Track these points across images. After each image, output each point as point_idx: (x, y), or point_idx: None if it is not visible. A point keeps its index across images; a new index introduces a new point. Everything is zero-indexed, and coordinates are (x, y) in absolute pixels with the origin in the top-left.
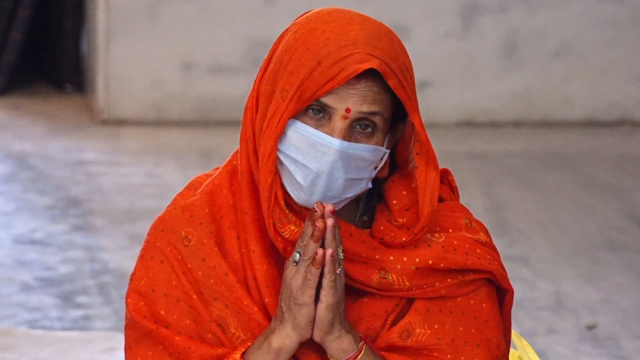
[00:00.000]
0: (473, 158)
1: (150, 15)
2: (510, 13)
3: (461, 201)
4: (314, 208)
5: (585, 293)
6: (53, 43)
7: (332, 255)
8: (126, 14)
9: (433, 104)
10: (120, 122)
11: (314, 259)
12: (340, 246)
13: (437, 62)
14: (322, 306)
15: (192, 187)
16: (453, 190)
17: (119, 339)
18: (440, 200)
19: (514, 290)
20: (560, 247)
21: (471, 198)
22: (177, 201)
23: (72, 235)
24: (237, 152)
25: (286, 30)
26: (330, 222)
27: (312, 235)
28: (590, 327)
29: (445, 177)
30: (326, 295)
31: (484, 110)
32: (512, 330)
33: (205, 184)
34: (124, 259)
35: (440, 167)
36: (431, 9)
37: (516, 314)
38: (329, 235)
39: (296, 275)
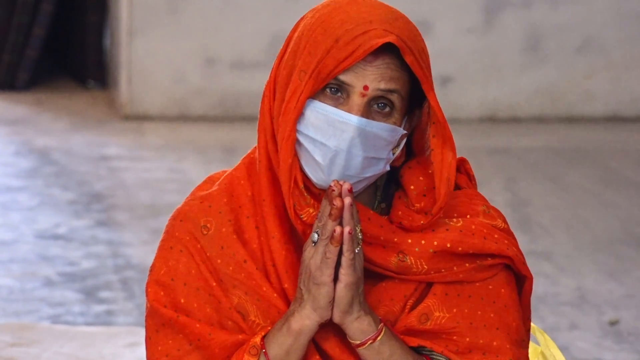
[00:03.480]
0: (495, 153)
1: (173, 10)
2: (533, 8)
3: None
4: (331, 187)
5: (608, 288)
6: (76, 38)
7: (350, 233)
8: (149, 9)
9: (456, 99)
10: (143, 118)
11: (332, 236)
12: (359, 225)
13: (459, 57)
14: (341, 285)
15: (209, 181)
16: (471, 179)
17: (142, 334)
18: (458, 188)
19: (537, 286)
20: (583, 243)
21: (493, 193)
22: (195, 193)
23: (95, 231)
24: (256, 147)
25: (302, 17)
26: (347, 200)
27: (330, 214)
28: (613, 323)
29: (462, 166)
30: (345, 274)
31: (507, 106)
32: (535, 326)
33: (223, 176)
34: (147, 254)
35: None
36: (454, 5)
37: (539, 309)
38: (346, 214)
39: (315, 255)
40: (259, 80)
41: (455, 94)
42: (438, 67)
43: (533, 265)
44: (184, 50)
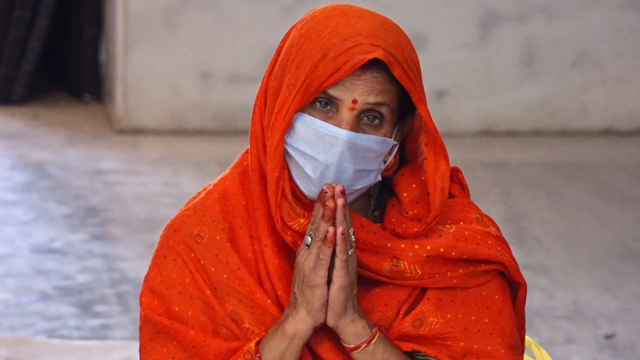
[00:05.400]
0: (491, 167)
1: (169, 24)
2: (528, 22)
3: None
4: (323, 189)
5: (604, 302)
6: (72, 52)
7: (343, 233)
8: (145, 23)
9: (451, 113)
10: (138, 131)
11: (325, 237)
12: (352, 228)
13: (455, 71)
14: (334, 287)
15: (203, 193)
16: (464, 188)
17: (137, 348)
18: (451, 196)
19: (533, 300)
20: (579, 257)
21: (489, 207)
22: (189, 204)
23: (90, 245)
24: (246, 152)
25: (292, 27)
26: (340, 201)
27: (323, 215)
28: (609, 337)
29: (455, 176)
30: (338, 276)
31: (503, 120)
32: (531, 339)
33: (215, 182)
34: (143, 268)
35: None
36: (449, 19)
37: (534, 323)
38: (339, 215)
39: (308, 258)
40: (255, 94)
41: (450, 108)
42: (433, 81)
43: (529, 279)
44: (180, 64)
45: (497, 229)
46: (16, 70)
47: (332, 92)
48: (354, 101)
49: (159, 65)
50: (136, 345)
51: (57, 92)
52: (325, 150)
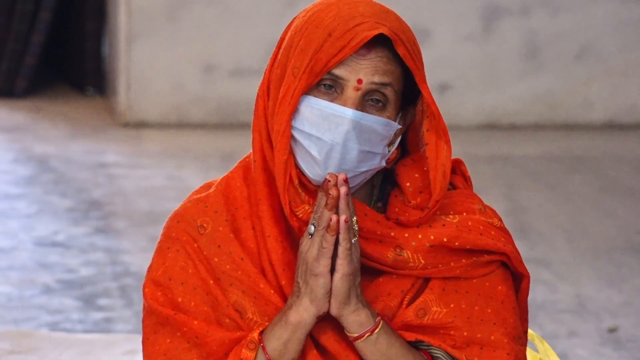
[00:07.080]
0: (494, 161)
1: (172, 18)
2: (531, 16)
3: None
4: (326, 178)
5: (607, 296)
6: (74, 46)
7: (346, 221)
8: (147, 16)
9: (454, 106)
10: (141, 125)
11: (328, 225)
12: (355, 216)
13: (458, 65)
14: (338, 276)
15: (206, 186)
16: (466, 179)
17: (140, 341)
18: (454, 188)
19: (536, 293)
20: (582, 250)
21: (492, 201)
22: (191, 196)
23: (93, 238)
24: (251, 152)
25: (294, 18)
26: (343, 189)
27: (326, 203)
28: (612, 330)
29: (458, 167)
30: (342, 264)
31: (505, 113)
32: (534, 333)
33: (219, 179)
34: (146, 261)
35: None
36: (452, 12)
37: (537, 316)
38: (342, 203)
39: (311, 247)
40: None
41: (453, 101)
42: (436, 74)
43: (532, 272)
44: (183, 58)
45: (500, 220)
46: (19, 63)
47: (337, 72)
48: (359, 81)
49: (162, 58)
50: (139, 338)
51: (60, 85)
52: (331, 130)
